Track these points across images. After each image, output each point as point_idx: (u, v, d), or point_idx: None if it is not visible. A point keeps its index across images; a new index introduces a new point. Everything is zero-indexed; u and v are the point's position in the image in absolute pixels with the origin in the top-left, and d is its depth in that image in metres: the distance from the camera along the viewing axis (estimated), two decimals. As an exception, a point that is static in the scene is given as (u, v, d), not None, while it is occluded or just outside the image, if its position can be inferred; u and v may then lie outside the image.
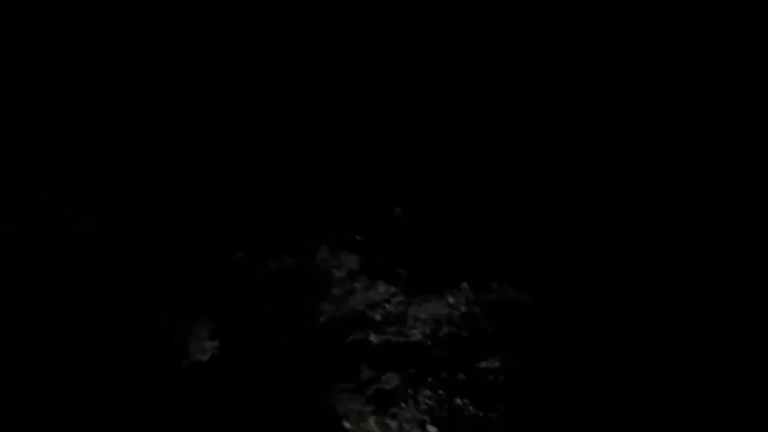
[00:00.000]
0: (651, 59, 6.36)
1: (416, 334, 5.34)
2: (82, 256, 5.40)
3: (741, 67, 6.23)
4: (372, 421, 5.02)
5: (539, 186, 5.90)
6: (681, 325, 5.31)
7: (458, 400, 5.10)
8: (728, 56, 6.29)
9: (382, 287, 5.54)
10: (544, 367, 5.23)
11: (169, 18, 6.44)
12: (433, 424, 5.00)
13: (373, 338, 5.31)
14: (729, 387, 5.05)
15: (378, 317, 5.40)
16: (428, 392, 5.14)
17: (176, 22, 6.44)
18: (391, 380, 5.18)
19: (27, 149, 5.78)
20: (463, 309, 5.41)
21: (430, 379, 5.15)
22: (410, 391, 5.13)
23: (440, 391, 5.12)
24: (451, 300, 5.45)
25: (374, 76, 6.39)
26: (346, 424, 5.01)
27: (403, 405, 5.08)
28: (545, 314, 5.38)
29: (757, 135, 5.99)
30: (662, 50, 6.37)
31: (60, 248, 5.45)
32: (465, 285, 5.47)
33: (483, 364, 5.22)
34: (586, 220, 5.74)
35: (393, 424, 5.01)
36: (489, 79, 6.40)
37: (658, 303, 5.39)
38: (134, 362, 5.11)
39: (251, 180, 5.88)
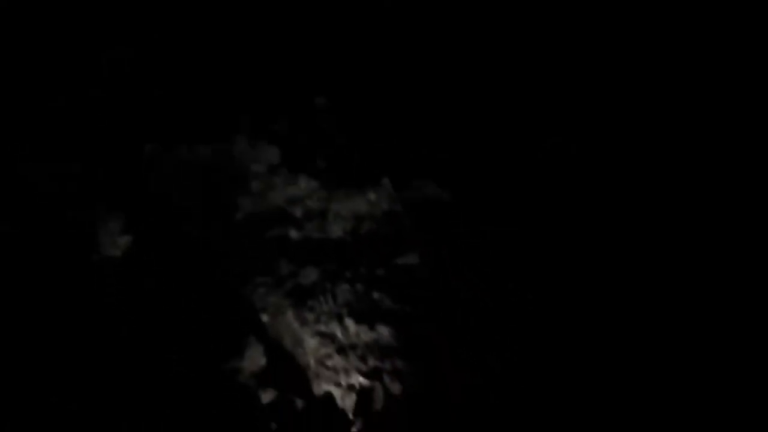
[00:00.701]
0: (650, 60, 6.33)
1: (337, 231, 5.34)
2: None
3: (740, 68, 6.22)
4: (290, 315, 5.03)
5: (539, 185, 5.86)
6: (674, 318, 5.38)
7: (376, 295, 5.13)
8: (727, 56, 6.29)
9: (303, 182, 5.49)
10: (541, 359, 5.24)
11: (169, 18, 6.29)
12: (350, 316, 4.97)
13: (293, 234, 5.28)
14: (728, 386, 5.12)
15: (298, 213, 5.37)
16: (347, 287, 5.15)
17: (176, 22, 6.29)
18: (310, 275, 5.17)
19: (27, 149, 5.57)
20: (385, 206, 5.37)
21: (349, 275, 5.15)
22: (329, 286, 5.13)
23: (358, 286, 5.14)
24: (372, 197, 5.41)
25: (374, 76, 6.30)
26: (264, 318, 4.97)
27: (321, 299, 5.07)
28: (464, 211, 5.37)
29: (756, 135, 5.99)
30: (662, 51, 6.39)
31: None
32: (386, 181, 5.41)
33: (402, 261, 5.24)
34: (586, 218, 5.72)
35: (311, 317, 5.01)
36: (489, 79, 6.31)
37: (656, 300, 5.44)
38: (45, 261, 4.89)
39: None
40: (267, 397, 4.81)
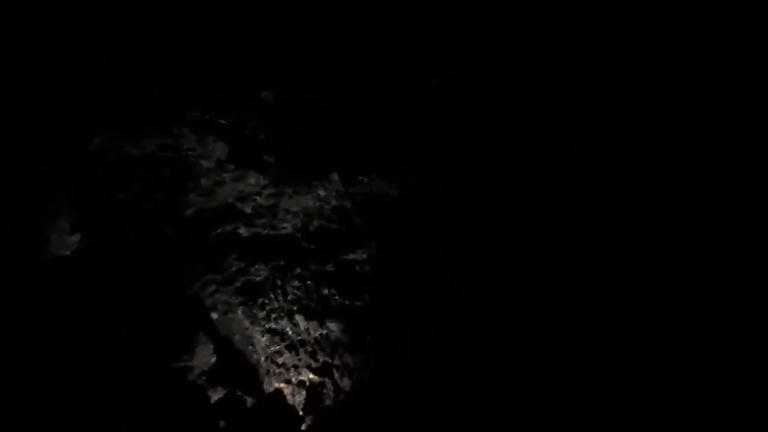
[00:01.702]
0: (650, 60, 6.31)
1: (287, 227, 5.33)
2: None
3: (740, 68, 6.18)
4: (240, 312, 5.01)
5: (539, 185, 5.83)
6: (674, 321, 5.39)
7: (325, 291, 5.16)
8: (727, 57, 6.26)
9: (252, 179, 5.45)
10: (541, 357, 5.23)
11: (169, 18, 6.39)
12: (300, 313, 4.95)
13: (243, 231, 5.28)
14: (728, 386, 5.15)
15: (248, 210, 5.35)
16: (296, 283, 5.15)
17: (176, 22, 6.39)
18: (260, 272, 5.17)
19: (27, 149, 5.68)
20: (334, 202, 5.34)
21: (298, 271, 5.15)
22: (279, 282, 5.13)
23: (308, 282, 5.14)
24: (321, 193, 5.38)
25: (374, 76, 6.32)
26: (214, 315, 4.96)
27: (271, 296, 5.07)
28: (414, 209, 5.34)
29: (755, 135, 5.95)
30: (661, 51, 6.34)
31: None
32: (335, 176, 5.39)
33: (351, 256, 5.25)
34: (586, 218, 5.68)
35: (261, 314, 5.01)
36: (489, 79, 6.31)
37: (656, 299, 5.45)
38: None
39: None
40: (217, 394, 4.84)
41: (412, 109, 6.18)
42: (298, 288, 5.16)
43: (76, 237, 5.13)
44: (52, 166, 5.44)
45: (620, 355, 5.26)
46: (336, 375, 4.94)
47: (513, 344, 5.35)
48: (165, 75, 6.00)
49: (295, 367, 4.96)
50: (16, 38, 5.99)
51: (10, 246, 5.11)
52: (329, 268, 5.25)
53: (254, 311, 5.04)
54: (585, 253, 5.61)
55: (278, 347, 4.98)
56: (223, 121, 5.56)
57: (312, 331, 5.00)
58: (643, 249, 5.59)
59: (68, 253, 5.07)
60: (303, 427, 4.86)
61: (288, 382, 4.95)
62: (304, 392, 4.92)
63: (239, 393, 4.88)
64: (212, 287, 5.07)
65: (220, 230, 5.27)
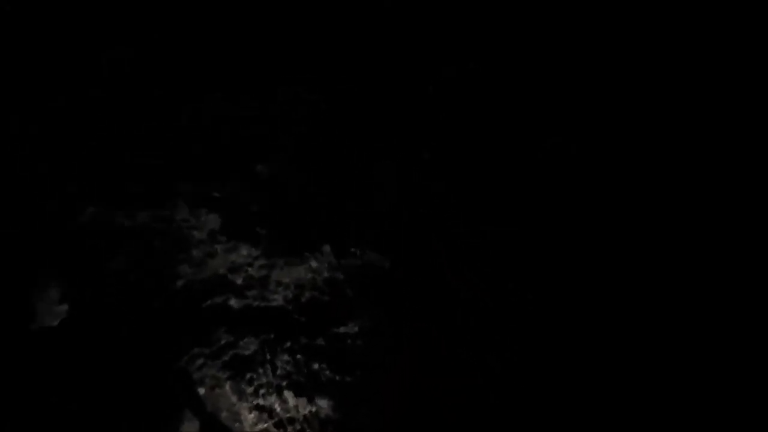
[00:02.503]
0: (650, 60, 6.25)
1: (278, 299, 5.30)
2: None
3: (740, 68, 6.17)
4: (228, 387, 4.96)
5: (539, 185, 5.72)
6: (675, 322, 5.43)
7: (315, 365, 5.13)
8: (727, 56, 6.18)
9: (244, 250, 5.43)
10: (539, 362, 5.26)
11: (169, 18, 6.21)
12: (289, 388, 4.91)
13: (234, 302, 5.24)
14: (728, 386, 5.20)
15: (239, 281, 5.32)
16: (286, 357, 5.12)
17: (176, 22, 6.21)
18: (249, 345, 5.13)
19: (27, 149, 5.55)
20: (326, 274, 5.28)
21: (288, 344, 5.12)
22: (268, 356, 5.08)
23: (298, 356, 5.11)
24: (314, 264, 5.32)
25: (374, 75, 6.14)
26: (201, 390, 4.90)
27: (260, 370, 5.01)
28: (404, 279, 5.26)
29: (756, 136, 6.00)
30: (661, 51, 6.21)
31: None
32: (327, 248, 5.32)
33: (342, 329, 5.23)
34: (586, 218, 5.67)
35: (249, 389, 4.96)
36: (489, 79, 6.22)
37: (657, 299, 5.49)
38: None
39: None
40: (201, 474, 4.77)
41: (412, 109, 6.09)
42: (287, 362, 5.11)
43: (64, 307, 5.01)
44: (51, 169, 5.44)
45: (621, 355, 5.29)
46: (325, 456, 4.91)
47: (513, 344, 5.37)
48: (165, 75, 6.03)
49: (283, 445, 4.92)
50: (16, 38, 6.03)
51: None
52: (320, 341, 5.21)
53: (242, 386, 4.97)
54: (585, 253, 5.64)
55: (266, 425, 4.92)
56: (216, 194, 5.50)
57: (301, 409, 4.95)
58: (643, 249, 5.64)
59: (55, 323, 4.97)
60: None
61: (275, 461, 4.91)
62: (291, 473, 4.89)
63: (225, 473, 4.85)
64: (200, 361, 5.01)
65: (210, 302, 5.23)
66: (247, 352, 5.12)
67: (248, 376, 5.04)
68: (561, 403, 5.26)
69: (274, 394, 4.99)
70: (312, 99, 6.18)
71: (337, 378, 5.08)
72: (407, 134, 6.14)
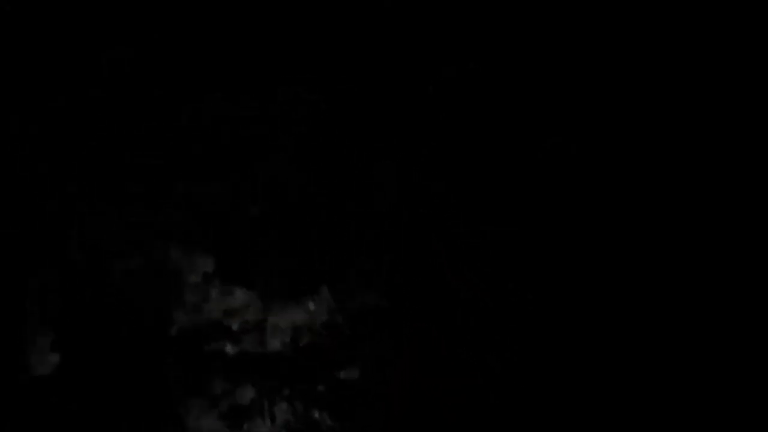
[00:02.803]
0: (651, 60, 6.10)
1: (275, 344, 5.22)
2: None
3: (742, 68, 6.01)
4: (226, 438, 4.93)
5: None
6: (678, 325, 5.38)
7: (316, 413, 5.08)
8: (729, 56, 6.04)
9: (239, 293, 5.31)
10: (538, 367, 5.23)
11: (169, 18, 6.14)
12: (289, 438, 4.91)
13: (229, 349, 5.14)
14: (729, 387, 5.19)
15: (235, 326, 5.22)
16: (285, 405, 5.08)
17: (176, 22, 6.14)
18: (246, 394, 5.09)
19: (27, 149, 5.53)
20: (325, 317, 5.24)
21: (287, 392, 5.05)
22: (266, 405, 5.04)
23: (297, 404, 5.05)
24: (312, 307, 5.27)
25: (374, 75, 6.07)
26: (197, 442, 4.91)
27: (258, 420, 5.01)
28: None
29: (757, 136, 5.88)
30: (662, 51, 6.09)
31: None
32: (325, 290, 5.28)
33: (342, 374, 5.15)
34: (586, 218, 5.62)
35: (247, 440, 4.93)
36: (489, 79, 6.11)
37: (657, 299, 5.43)
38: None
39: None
40: None
41: (412, 108, 6.06)
42: (286, 411, 5.08)
43: (56, 357, 5.02)
44: (51, 169, 5.44)
45: (621, 354, 5.28)
46: None
47: (513, 344, 5.34)
48: (165, 75, 5.95)
49: (283, 501, 4.95)
50: (16, 38, 5.92)
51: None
52: (320, 387, 5.16)
53: (240, 437, 4.98)
54: (585, 253, 5.59)
55: (265, 477, 4.95)
56: (209, 235, 5.42)
57: (301, 459, 4.96)
58: (644, 249, 5.58)
59: (48, 372, 4.99)
60: None
61: None
62: None
63: None
64: (196, 411, 5.00)
65: (206, 348, 5.15)
66: (244, 401, 5.09)
67: (246, 426, 5.04)
68: (561, 403, 5.27)
69: (273, 444, 4.99)
70: (312, 99, 6.09)
71: (338, 425, 5.07)
72: (407, 134, 6.02)
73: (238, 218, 5.54)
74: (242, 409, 5.00)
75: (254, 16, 6.37)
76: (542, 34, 6.34)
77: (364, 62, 6.25)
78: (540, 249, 5.68)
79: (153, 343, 5.08)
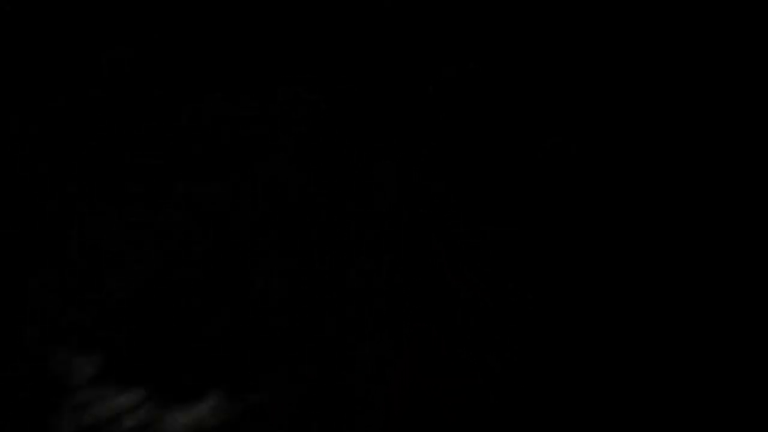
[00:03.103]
0: (651, 60, 6.09)
1: None
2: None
3: (742, 67, 5.97)
4: None
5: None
6: (676, 322, 5.37)
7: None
8: (729, 56, 6.02)
9: (131, 392, 4.87)
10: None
11: (169, 18, 6.16)
12: None
13: None
14: (729, 387, 5.17)
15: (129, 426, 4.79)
16: (283, 411, 5.00)
17: (176, 22, 6.16)
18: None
19: (27, 149, 5.55)
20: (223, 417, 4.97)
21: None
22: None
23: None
24: (212, 402, 5.06)
25: (374, 75, 6.09)
26: None
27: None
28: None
29: (758, 136, 5.84)
30: (662, 51, 6.11)
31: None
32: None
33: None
34: (586, 218, 5.58)
35: None
36: (489, 79, 6.12)
37: (658, 299, 5.42)
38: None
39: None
40: None
41: (412, 108, 6.07)
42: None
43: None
44: (51, 169, 5.44)
45: (621, 354, 5.26)
46: None
47: (513, 344, 5.30)
48: (165, 75, 5.92)
49: None
50: (16, 38, 5.88)
51: None
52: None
53: None
54: (585, 253, 5.57)
55: None
56: (98, 334, 5.20)
57: None
58: (644, 249, 5.56)
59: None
60: None
61: None
62: None
63: None
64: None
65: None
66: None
67: None
68: (561, 403, 5.24)
69: None
70: (312, 99, 6.09)
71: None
72: (407, 134, 6.01)
73: (238, 218, 5.42)
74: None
75: (254, 16, 6.39)
76: (542, 34, 6.35)
77: (364, 62, 6.26)
78: (540, 249, 5.66)
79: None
